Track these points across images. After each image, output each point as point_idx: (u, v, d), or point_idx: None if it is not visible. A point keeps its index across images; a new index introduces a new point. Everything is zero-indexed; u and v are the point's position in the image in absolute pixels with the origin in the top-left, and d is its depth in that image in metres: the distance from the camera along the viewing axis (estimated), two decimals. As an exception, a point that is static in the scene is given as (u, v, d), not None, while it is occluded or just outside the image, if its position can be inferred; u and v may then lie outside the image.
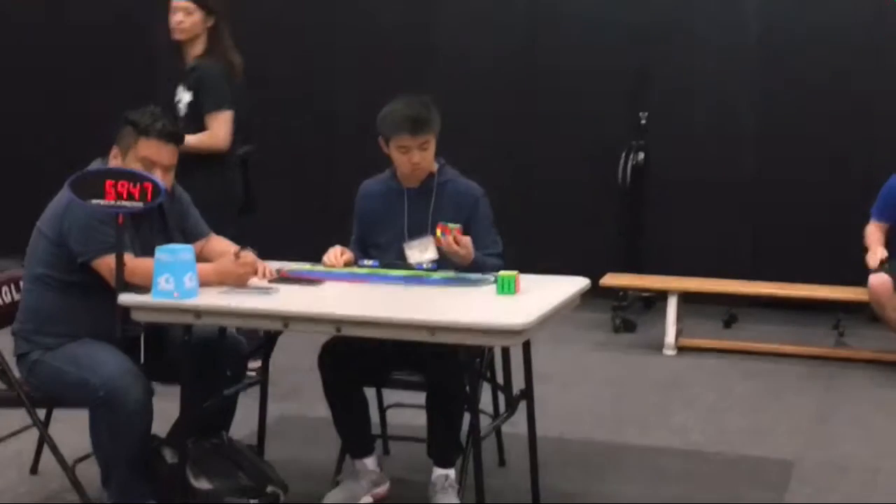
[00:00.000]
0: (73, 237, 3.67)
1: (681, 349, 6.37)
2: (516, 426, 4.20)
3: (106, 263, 3.64)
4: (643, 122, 7.30)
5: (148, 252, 3.65)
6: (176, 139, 3.84)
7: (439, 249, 3.97)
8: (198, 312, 3.55)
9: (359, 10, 7.84)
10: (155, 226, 3.87)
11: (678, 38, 7.33)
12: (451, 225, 3.91)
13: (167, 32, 5.44)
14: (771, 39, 7.18)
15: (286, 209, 7.97)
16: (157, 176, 3.70)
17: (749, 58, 7.23)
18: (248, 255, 3.84)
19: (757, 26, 7.20)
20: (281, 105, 7.98)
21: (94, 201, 3.57)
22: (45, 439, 3.93)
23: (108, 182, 3.56)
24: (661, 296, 6.72)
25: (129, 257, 3.63)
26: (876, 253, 5.83)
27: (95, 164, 3.83)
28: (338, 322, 3.49)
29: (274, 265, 3.98)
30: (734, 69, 7.27)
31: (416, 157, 4.06)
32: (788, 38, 7.15)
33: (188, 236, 3.95)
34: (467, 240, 3.94)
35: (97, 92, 8.15)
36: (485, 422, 3.88)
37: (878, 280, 5.80)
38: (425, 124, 4.05)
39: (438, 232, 3.92)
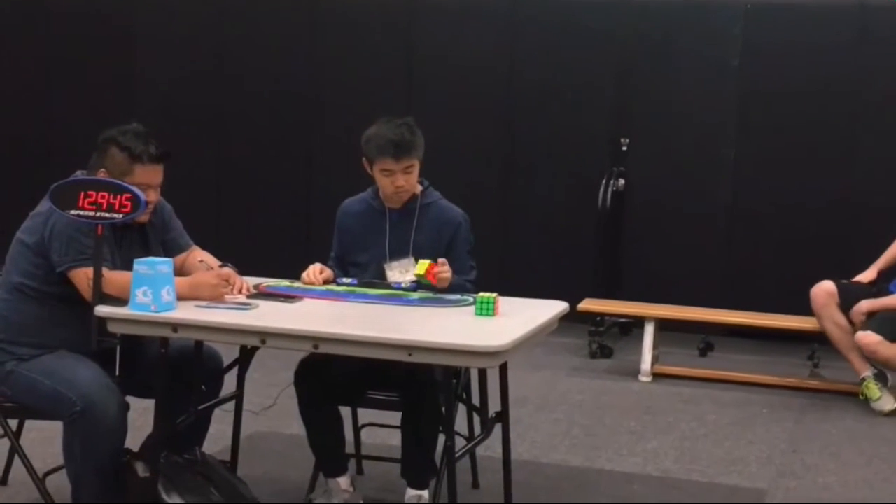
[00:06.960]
0: (54, 247, 3.64)
1: (656, 376, 6.38)
2: (490, 448, 4.20)
3: (83, 274, 3.61)
4: (624, 148, 7.34)
5: (129, 265, 3.60)
6: (166, 158, 3.80)
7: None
8: (175, 326, 3.53)
9: (341, 28, 7.85)
10: (136, 238, 3.84)
11: (660, 66, 7.37)
12: (419, 266, 3.91)
13: None
14: (751, 68, 7.23)
15: (266, 226, 7.97)
16: (150, 195, 3.70)
17: (729, 87, 7.28)
18: (224, 269, 3.83)
19: (737, 56, 7.25)
20: (262, 120, 7.99)
21: (74, 212, 3.54)
22: (16, 450, 3.89)
23: (89, 193, 3.53)
24: (638, 322, 6.74)
25: (105, 269, 3.60)
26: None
27: (77, 176, 3.80)
28: (315, 339, 3.47)
29: (252, 281, 3.97)
30: (714, 98, 7.32)
31: (399, 181, 4.05)
32: (768, 67, 7.20)
33: (169, 249, 3.92)
34: (443, 269, 3.92)
35: (80, 102, 8.14)
36: (459, 443, 3.87)
37: (820, 289, 5.99)
38: (409, 148, 4.03)
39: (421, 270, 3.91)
